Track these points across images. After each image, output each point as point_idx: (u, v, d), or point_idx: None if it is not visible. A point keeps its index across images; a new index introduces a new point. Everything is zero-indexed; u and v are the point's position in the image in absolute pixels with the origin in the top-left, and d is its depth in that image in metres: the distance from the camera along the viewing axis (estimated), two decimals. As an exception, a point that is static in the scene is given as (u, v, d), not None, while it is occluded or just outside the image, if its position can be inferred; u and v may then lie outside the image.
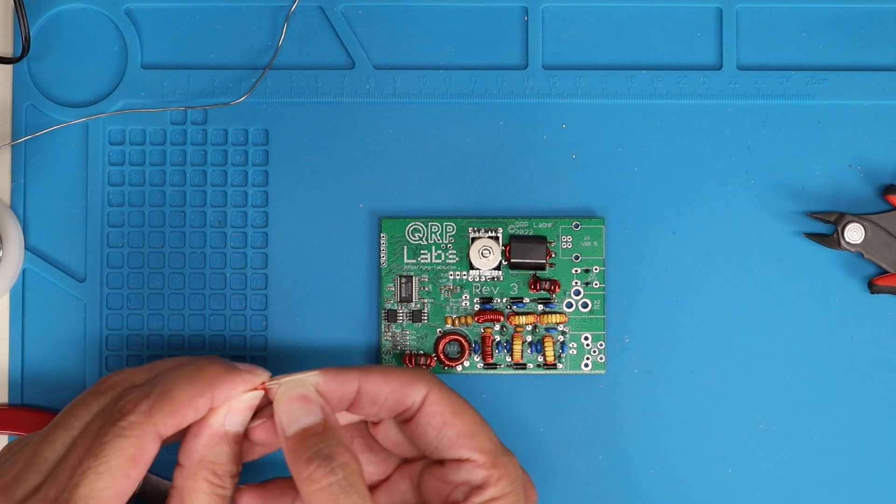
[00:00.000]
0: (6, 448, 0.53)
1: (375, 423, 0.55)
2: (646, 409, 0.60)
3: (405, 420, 0.53)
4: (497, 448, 0.52)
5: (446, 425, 0.52)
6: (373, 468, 0.55)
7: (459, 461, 0.52)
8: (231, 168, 0.60)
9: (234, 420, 0.51)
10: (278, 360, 0.59)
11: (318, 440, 0.50)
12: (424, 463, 0.54)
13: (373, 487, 0.56)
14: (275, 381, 0.52)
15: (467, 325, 0.60)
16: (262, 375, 0.52)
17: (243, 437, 0.52)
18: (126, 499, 0.49)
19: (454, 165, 0.60)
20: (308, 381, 0.52)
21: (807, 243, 0.60)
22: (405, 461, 0.55)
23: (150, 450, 0.50)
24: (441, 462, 0.53)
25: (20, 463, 0.50)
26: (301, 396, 0.51)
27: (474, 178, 0.60)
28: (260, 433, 0.52)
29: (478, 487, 0.52)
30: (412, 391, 0.52)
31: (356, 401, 0.52)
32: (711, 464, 0.59)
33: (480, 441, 0.52)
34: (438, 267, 0.60)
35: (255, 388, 0.52)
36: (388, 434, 0.54)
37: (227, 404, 0.51)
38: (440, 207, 0.60)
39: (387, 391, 0.52)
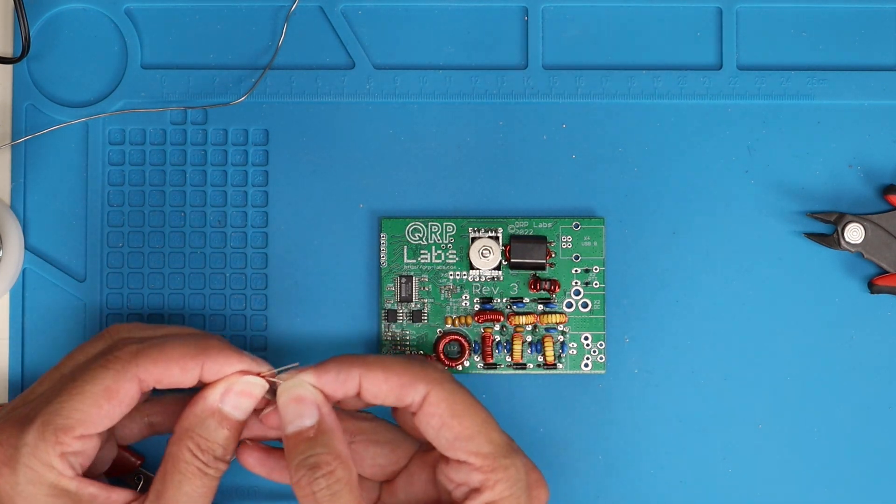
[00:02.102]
0: None
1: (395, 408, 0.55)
2: (646, 409, 0.60)
3: (413, 412, 0.53)
4: (497, 450, 0.52)
5: (444, 427, 0.52)
6: (383, 461, 0.55)
7: (459, 462, 0.52)
8: (231, 168, 0.60)
9: (231, 402, 0.52)
10: (278, 359, 0.59)
11: (308, 446, 0.51)
12: (439, 454, 0.54)
13: (391, 478, 0.55)
14: (277, 375, 0.52)
15: (467, 325, 0.60)
16: (262, 366, 0.52)
17: (242, 425, 0.52)
18: (92, 430, 0.50)
19: (454, 165, 0.60)
20: (306, 379, 0.52)
21: (807, 243, 0.60)
22: (423, 449, 0.55)
23: (127, 389, 0.51)
24: (447, 459, 0.53)
25: (16, 401, 0.53)
26: (297, 397, 0.52)
27: (474, 178, 0.60)
28: (273, 420, 0.53)
29: (475, 490, 0.52)
30: (411, 391, 0.52)
31: (359, 394, 0.52)
32: (711, 464, 0.59)
33: (478, 444, 0.52)
34: (438, 267, 0.60)
35: (257, 375, 0.52)
36: (405, 419, 0.54)
37: (225, 381, 0.52)
38: (440, 207, 0.60)
39: (386, 389, 0.52)
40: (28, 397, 0.52)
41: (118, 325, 0.54)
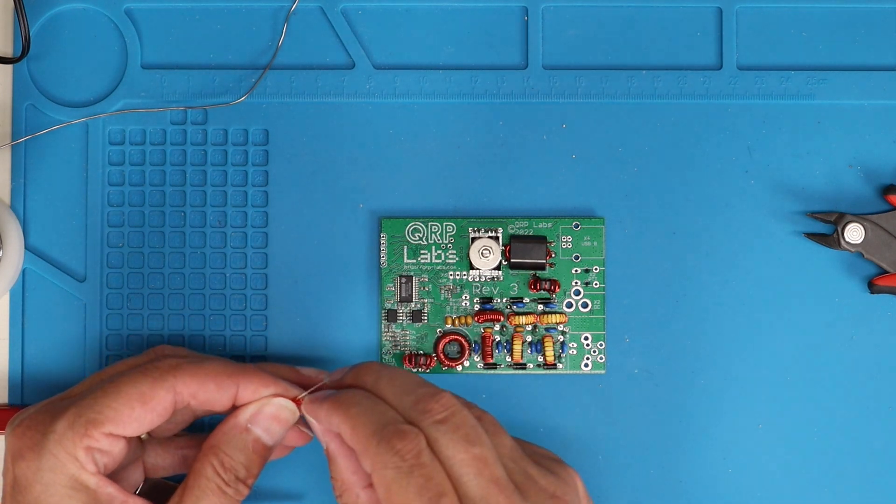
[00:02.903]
0: None
1: None
2: (646, 409, 0.59)
3: None
4: None
5: None
6: None
7: None
8: (231, 168, 0.60)
9: (262, 424, 0.52)
10: (278, 360, 0.59)
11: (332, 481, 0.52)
12: None
13: None
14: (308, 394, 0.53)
15: (467, 325, 0.60)
16: (296, 392, 0.53)
17: (269, 451, 0.53)
18: (121, 430, 0.51)
19: (454, 165, 0.60)
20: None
21: (807, 243, 0.60)
22: None
23: (162, 397, 0.51)
24: None
25: (54, 397, 0.53)
26: (312, 427, 0.53)
27: (474, 178, 0.60)
28: None
29: None
30: (364, 461, 0.49)
31: None
32: (711, 464, 0.59)
33: None
34: (438, 267, 0.60)
35: (290, 399, 0.53)
36: None
37: (257, 403, 0.52)
38: (440, 207, 0.60)
39: (354, 447, 0.50)
40: (66, 395, 0.53)
41: (165, 346, 0.55)
